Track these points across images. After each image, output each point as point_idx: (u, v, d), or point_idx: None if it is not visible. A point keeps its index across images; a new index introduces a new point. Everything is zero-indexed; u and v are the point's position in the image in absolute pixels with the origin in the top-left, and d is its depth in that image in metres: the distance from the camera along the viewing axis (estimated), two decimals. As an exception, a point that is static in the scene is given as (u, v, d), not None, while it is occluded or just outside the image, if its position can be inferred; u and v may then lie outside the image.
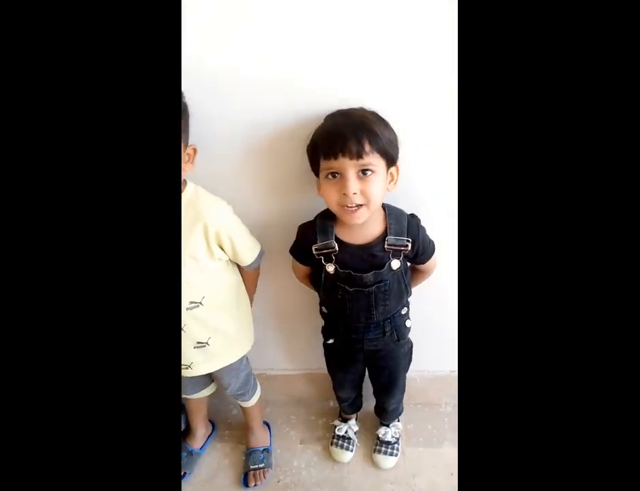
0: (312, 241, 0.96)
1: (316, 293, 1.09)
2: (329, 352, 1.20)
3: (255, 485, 1.26)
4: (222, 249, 0.98)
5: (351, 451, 1.33)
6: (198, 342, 1.04)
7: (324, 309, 1.11)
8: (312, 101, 0.92)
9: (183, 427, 1.38)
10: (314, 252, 0.95)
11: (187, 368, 1.08)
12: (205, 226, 0.91)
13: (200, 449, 1.35)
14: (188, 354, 1.05)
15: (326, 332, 1.16)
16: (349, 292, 0.96)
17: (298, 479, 1.30)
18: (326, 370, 1.42)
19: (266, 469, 1.29)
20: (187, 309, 0.97)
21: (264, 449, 1.32)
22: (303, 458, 1.35)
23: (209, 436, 1.39)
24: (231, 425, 1.45)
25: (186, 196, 0.92)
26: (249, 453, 1.32)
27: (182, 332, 1.00)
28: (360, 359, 1.14)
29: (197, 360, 1.07)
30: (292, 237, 1.04)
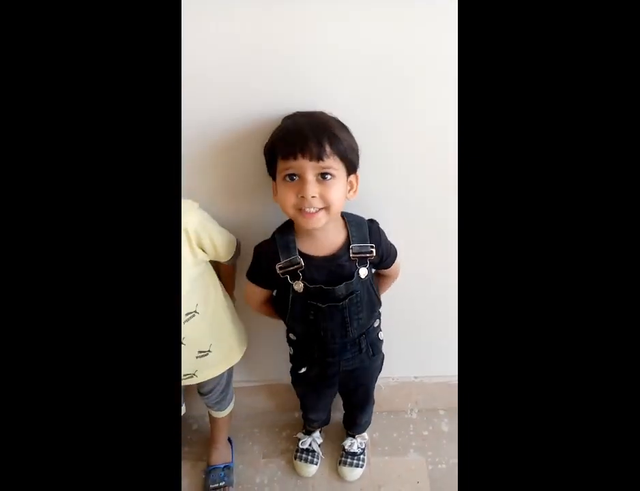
0: (273, 260, 0.89)
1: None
2: (299, 380, 1.13)
3: (215, 505, 1.21)
4: (202, 250, 0.93)
5: (316, 464, 1.29)
6: (200, 351, 1.02)
7: (292, 337, 1.04)
8: (270, 102, 0.87)
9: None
10: (278, 272, 0.89)
11: (191, 376, 1.05)
12: (185, 231, 0.87)
13: None
14: (192, 363, 1.03)
15: (296, 361, 1.08)
16: (322, 310, 0.90)
17: (260, 496, 1.26)
18: (288, 381, 1.39)
19: (227, 487, 1.24)
20: (185, 321, 0.94)
21: (225, 466, 1.27)
22: (266, 474, 1.30)
23: (167, 454, 1.32)
24: (191, 441, 1.38)
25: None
26: (209, 472, 1.26)
27: (183, 345, 0.97)
28: (335, 382, 1.10)
29: (201, 367, 1.05)
30: (245, 247, 1.00)
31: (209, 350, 1.03)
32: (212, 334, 1.02)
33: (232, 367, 1.17)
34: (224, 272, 1.06)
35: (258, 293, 1.00)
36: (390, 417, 1.43)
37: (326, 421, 1.32)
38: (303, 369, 1.06)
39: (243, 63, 0.84)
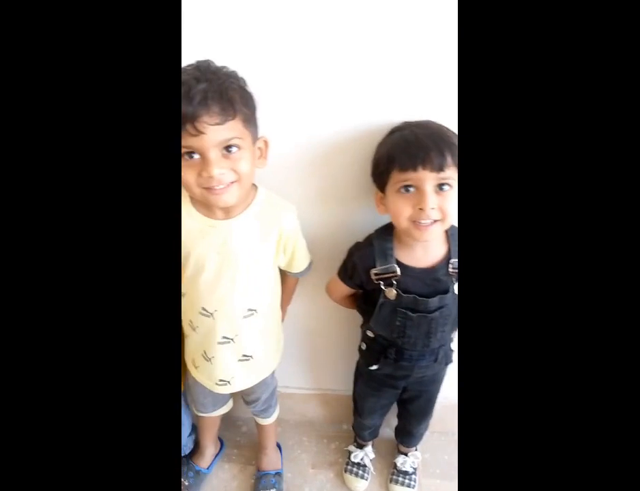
0: (369, 265, 0.89)
1: (355, 314, 1.05)
2: (366, 377, 1.12)
3: (266, 511, 1.20)
4: (283, 254, 0.95)
5: (366, 479, 1.27)
6: (244, 355, 1.00)
7: (369, 334, 1.03)
8: (371, 112, 0.89)
9: (192, 447, 1.31)
10: (372, 277, 0.89)
11: (225, 384, 1.02)
12: (279, 232, 0.89)
13: (208, 468, 1.28)
14: (231, 368, 1.00)
15: (368, 357, 1.06)
16: (411, 318, 0.90)
17: (308, 507, 1.24)
18: (340, 392, 1.37)
19: None
20: (244, 317, 0.94)
21: (276, 473, 1.26)
22: (315, 484, 1.28)
23: (216, 454, 1.32)
24: (240, 443, 1.38)
25: (259, 200, 0.88)
26: (260, 477, 1.25)
27: (231, 343, 0.96)
28: (401, 385, 1.09)
29: (238, 374, 1.02)
30: (320, 252, 1.00)
31: (251, 356, 1.00)
32: (261, 339, 1.01)
33: (275, 378, 1.17)
34: (287, 284, 1.06)
35: (343, 290, 1.01)
36: (442, 439, 1.39)
37: (376, 433, 1.30)
38: (375, 367, 1.04)
39: (335, 73, 0.86)
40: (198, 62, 0.76)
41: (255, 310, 0.95)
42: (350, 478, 1.27)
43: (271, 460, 1.28)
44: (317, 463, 1.34)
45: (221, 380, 1.01)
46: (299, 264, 0.99)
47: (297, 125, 0.92)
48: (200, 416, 1.20)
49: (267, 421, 1.24)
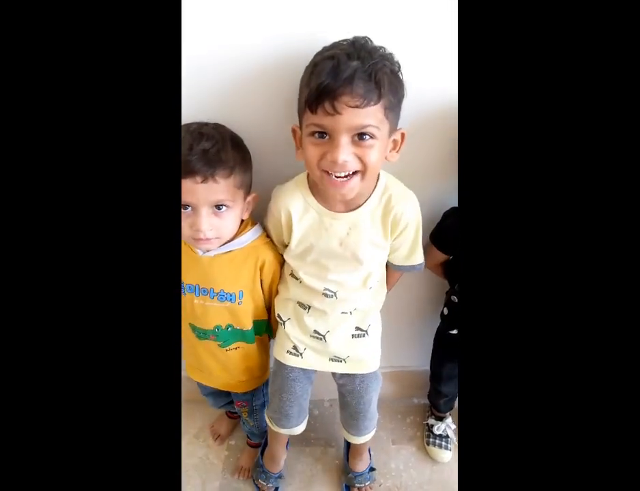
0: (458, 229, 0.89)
1: (424, 291, 1.10)
2: (445, 342, 1.15)
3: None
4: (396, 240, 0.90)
5: (450, 450, 1.28)
6: (358, 329, 0.97)
7: (454, 299, 1.05)
8: None
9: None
10: None
11: (340, 361, 0.99)
12: (400, 222, 0.85)
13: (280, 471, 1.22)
14: (346, 343, 0.98)
15: (449, 322, 1.10)
16: None
17: (400, 481, 1.23)
18: (411, 368, 1.37)
19: (370, 485, 1.20)
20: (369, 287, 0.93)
21: (370, 469, 1.21)
22: (400, 460, 1.28)
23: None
24: (315, 426, 1.35)
25: (380, 190, 0.84)
26: (354, 477, 1.19)
27: (348, 315, 0.94)
28: None
29: (353, 353, 0.98)
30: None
31: (366, 332, 0.98)
32: (372, 315, 0.99)
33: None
34: (394, 276, 1.03)
35: (436, 255, 1.01)
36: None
37: (452, 404, 1.30)
38: (455, 331, 1.08)
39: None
40: (355, 38, 0.71)
41: (371, 287, 0.94)
42: (434, 450, 1.27)
43: (364, 459, 1.22)
44: (397, 438, 1.33)
45: (335, 357, 0.98)
46: (417, 257, 0.93)
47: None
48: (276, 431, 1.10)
49: (362, 440, 1.13)
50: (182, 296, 0.95)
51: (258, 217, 0.96)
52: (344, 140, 0.70)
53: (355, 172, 0.74)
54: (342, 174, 0.73)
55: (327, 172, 0.74)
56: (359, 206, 0.83)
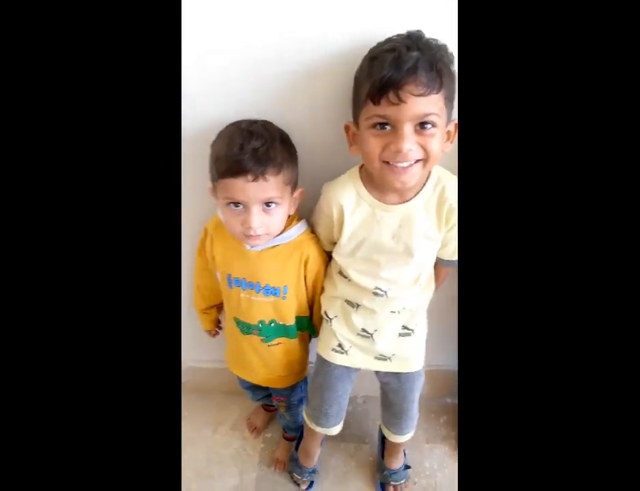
0: None
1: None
2: None
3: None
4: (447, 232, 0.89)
5: (484, 451, 1.27)
6: (404, 327, 0.97)
7: None
8: None
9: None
10: None
11: (385, 360, 0.99)
12: (451, 213, 0.84)
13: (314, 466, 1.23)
14: (391, 342, 0.97)
15: None
16: None
17: (435, 481, 1.23)
18: (444, 368, 1.36)
19: (406, 483, 1.20)
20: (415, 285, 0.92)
21: (405, 467, 1.22)
22: (434, 459, 1.28)
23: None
24: (349, 423, 1.35)
25: (433, 180, 0.84)
26: (389, 474, 1.19)
27: (396, 314, 0.94)
28: None
29: (399, 351, 0.98)
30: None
31: (412, 330, 0.98)
32: (419, 314, 0.99)
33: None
34: (442, 273, 1.02)
35: None
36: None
37: None
38: None
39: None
40: (409, 32, 0.72)
41: (419, 284, 0.93)
42: (470, 450, 1.26)
43: (399, 457, 1.22)
44: (430, 437, 1.33)
45: (381, 355, 0.98)
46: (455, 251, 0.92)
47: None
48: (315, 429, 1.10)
49: (403, 439, 1.13)
50: (228, 290, 0.96)
51: (302, 213, 0.97)
52: (408, 129, 0.71)
53: (416, 161, 0.75)
54: (406, 164, 0.74)
55: (388, 163, 0.75)
56: (412, 198, 0.84)
